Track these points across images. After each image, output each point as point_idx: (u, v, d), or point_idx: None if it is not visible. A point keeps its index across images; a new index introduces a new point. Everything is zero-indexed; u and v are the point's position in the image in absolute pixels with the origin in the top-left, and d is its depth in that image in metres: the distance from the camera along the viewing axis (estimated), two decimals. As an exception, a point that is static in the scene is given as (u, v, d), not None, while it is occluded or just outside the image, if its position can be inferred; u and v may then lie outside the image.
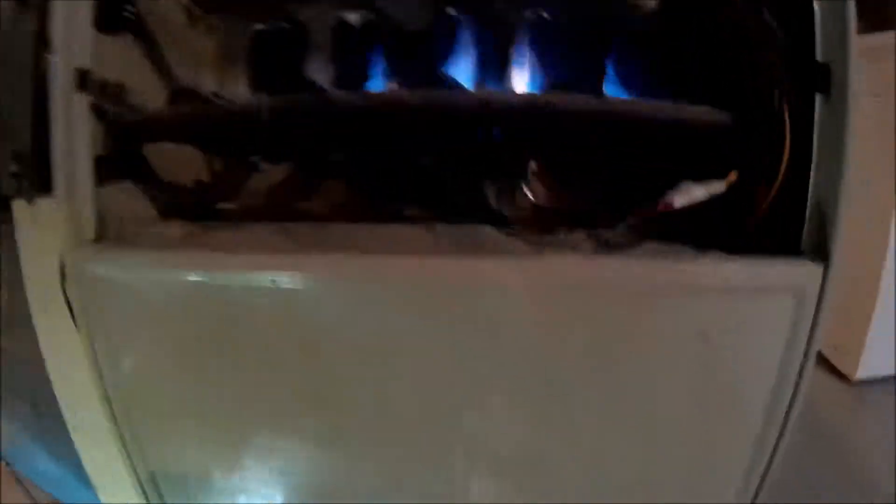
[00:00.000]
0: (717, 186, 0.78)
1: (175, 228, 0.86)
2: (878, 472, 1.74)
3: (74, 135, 0.80)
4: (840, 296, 2.04)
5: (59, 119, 0.78)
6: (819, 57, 0.74)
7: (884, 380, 2.15)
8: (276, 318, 0.76)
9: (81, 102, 0.80)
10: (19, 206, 0.84)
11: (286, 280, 0.72)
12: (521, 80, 1.03)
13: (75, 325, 0.82)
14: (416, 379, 0.79)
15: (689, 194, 0.77)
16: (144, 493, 0.91)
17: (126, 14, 0.93)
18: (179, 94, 1.02)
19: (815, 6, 0.73)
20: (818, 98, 0.74)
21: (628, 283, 0.74)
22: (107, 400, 0.83)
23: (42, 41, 0.83)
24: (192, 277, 0.75)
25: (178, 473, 0.91)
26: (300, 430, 0.83)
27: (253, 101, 0.89)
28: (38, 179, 0.85)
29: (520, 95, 0.90)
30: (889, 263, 1.97)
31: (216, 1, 1.13)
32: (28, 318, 0.89)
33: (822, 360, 2.25)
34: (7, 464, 1.25)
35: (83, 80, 0.80)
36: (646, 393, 0.79)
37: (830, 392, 2.15)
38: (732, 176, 0.78)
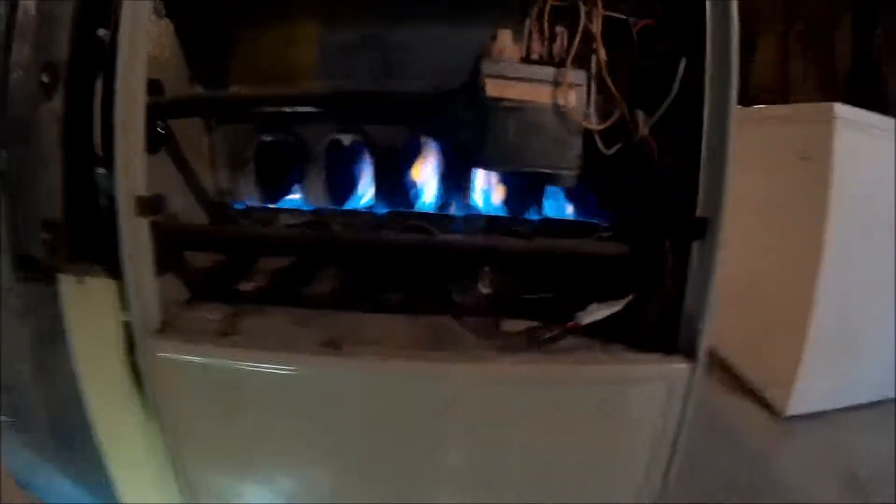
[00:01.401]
0: (616, 306, 1.08)
1: (214, 313, 1.15)
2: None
3: (140, 250, 1.03)
4: (771, 334, 2.39)
5: (127, 238, 1.01)
6: (700, 212, 1.01)
7: (813, 415, 2.38)
8: (296, 396, 1.07)
9: (143, 224, 1.03)
10: (68, 283, 1.07)
11: (304, 373, 1.04)
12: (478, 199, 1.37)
13: (136, 389, 1.09)
14: (399, 441, 1.10)
15: (594, 314, 1.08)
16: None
17: (159, 130, 1.14)
18: (216, 212, 1.30)
19: (701, 172, 1.00)
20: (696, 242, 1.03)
21: (547, 378, 1.06)
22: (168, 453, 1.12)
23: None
24: (237, 366, 1.04)
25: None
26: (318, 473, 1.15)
27: (273, 233, 1.16)
28: (70, 249, 1.09)
29: (474, 239, 1.19)
30: (817, 304, 2.24)
31: (230, 115, 1.39)
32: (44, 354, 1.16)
33: (755, 396, 2.54)
34: (21, 485, 1.42)
35: (140, 207, 1.02)
36: (555, 451, 1.11)
37: (762, 427, 2.38)
38: (629, 297, 1.09)
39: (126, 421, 1.14)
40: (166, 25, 1.17)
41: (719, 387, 2.64)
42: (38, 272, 1.11)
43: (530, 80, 0.96)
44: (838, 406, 2.44)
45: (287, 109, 1.14)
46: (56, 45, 1.07)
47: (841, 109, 2.12)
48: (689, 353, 1.05)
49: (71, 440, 1.22)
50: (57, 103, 1.08)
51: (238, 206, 1.40)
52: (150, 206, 1.04)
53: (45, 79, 1.07)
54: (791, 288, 2.35)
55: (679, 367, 1.05)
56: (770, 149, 2.38)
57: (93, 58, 1.07)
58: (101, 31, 1.07)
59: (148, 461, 1.17)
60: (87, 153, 1.09)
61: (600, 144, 1.00)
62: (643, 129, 1.01)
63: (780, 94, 2.84)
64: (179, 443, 1.11)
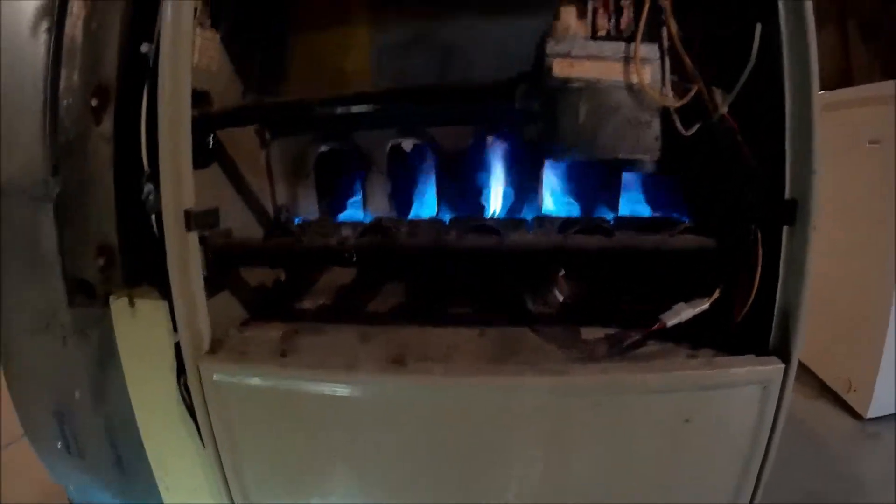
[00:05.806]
0: (703, 304, 0.99)
1: (271, 331, 1.09)
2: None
3: (189, 267, 0.98)
4: (848, 334, 2.24)
5: (174, 256, 0.96)
6: (787, 194, 0.91)
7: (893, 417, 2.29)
8: (358, 416, 0.99)
9: (193, 239, 0.98)
10: (119, 305, 1.05)
11: (365, 392, 0.97)
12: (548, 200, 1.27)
13: (189, 413, 1.04)
14: (470, 463, 1.01)
15: (679, 315, 0.98)
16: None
17: (210, 144, 1.10)
18: (273, 227, 1.25)
19: (787, 149, 0.90)
20: (785, 228, 0.93)
21: (633, 386, 0.95)
22: (222, 471, 1.06)
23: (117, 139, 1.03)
24: (292, 386, 0.98)
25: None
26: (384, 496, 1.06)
27: (332, 243, 1.07)
28: (125, 272, 1.06)
29: (549, 238, 1.08)
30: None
31: (281, 123, 1.34)
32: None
33: (835, 398, 2.43)
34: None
35: (190, 221, 0.96)
36: (641, 463, 1.01)
37: (842, 429, 2.28)
38: (716, 293, 0.99)
39: (180, 445, 1.11)
40: (212, 36, 1.13)
41: (796, 388, 2.49)
42: (92, 297, 1.09)
43: (599, 58, 0.88)
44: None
45: (340, 111, 1.07)
46: (104, 67, 1.06)
47: (908, 84, 1.96)
48: (783, 352, 0.95)
49: (124, 464, 1.21)
50: (107, 126, 1.06)
51: (297, 221, 1.36)
52: (200, 220, 0.99)
53: (94, 103, 1.06)
54: (867, 284, 2.20)
55: (773, 367, 0.95)
56: (835, 136, 2.24)
57: (140, 74, 1.02)
58: (145, 46, 1.03)
59: (202, 486, 1.13)
60: (138, 172, 1.03)
61: (678, 124, 0.92)
62: (722, 107, 0.93)
63: (844, 82, 2.71)
64: (235, 466, 1.05)
